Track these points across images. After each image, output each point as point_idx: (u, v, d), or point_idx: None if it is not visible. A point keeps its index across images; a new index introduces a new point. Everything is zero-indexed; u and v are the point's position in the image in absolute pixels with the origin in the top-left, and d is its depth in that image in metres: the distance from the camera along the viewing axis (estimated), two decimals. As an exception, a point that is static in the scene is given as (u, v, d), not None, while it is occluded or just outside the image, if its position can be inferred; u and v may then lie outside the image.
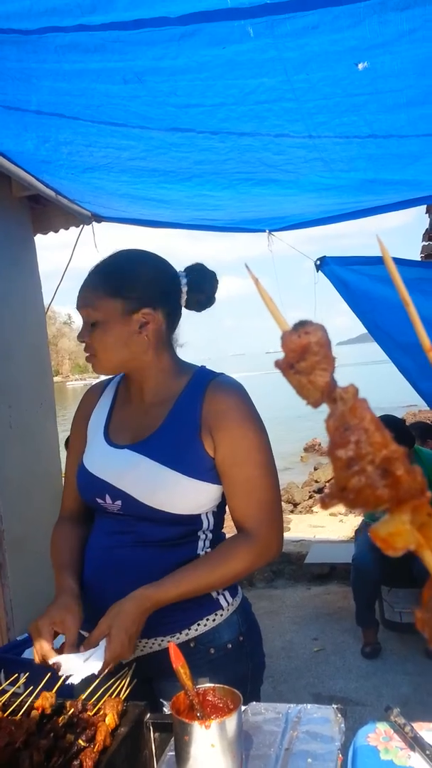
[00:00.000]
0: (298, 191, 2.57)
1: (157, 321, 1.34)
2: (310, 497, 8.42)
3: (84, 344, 1.36)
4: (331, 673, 3.34)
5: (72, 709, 1.12)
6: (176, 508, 1.26)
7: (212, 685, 0.99)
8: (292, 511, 7.71)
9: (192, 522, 1.29)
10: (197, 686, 0.98)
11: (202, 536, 1.32)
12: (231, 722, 0.90)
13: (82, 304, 1.33)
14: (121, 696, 1.16)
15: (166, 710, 1.15)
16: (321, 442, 14.23)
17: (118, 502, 1.30)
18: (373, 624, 3.57)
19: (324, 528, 6.36)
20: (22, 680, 1.27)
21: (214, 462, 1.28)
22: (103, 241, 3.76)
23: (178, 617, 1.28)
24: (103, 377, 1.52)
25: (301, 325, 0.46)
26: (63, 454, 3.88)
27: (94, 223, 3.77)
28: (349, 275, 2.98)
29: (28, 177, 2.88)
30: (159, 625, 1.27)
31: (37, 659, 1.18)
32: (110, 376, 1.50)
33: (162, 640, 1.29)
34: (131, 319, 1.32)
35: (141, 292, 1.32)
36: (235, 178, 2.47)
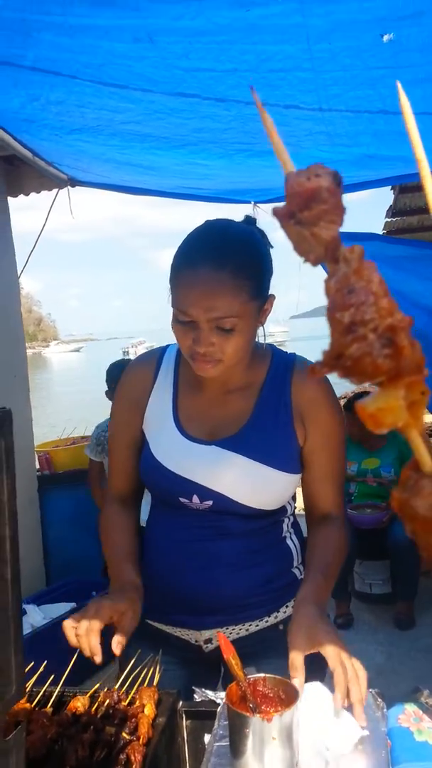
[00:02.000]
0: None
1: (272, 302, 1.21)
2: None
3: (193, 349, 1.13)
4: (306, 643, 3.41)
5: (107, 700, 1.09)
6: (271, 505, 1.24)
7: (263, 675, 0.98)
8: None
9: (279, 512, 1.28)
10: (248, 677, 0.97)
11: (286, 521, 1.31)
12: (290, 714, 0.89)
13: (224, 313, 1.09)
14: (153, 684, 1.14)
15: (197, 697, 1.13)
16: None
17: (209, 502, 1.21)
18: (346, 596, 3.66)
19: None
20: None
21: (301, 450, 1.25)
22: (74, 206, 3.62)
23: (267, 601, 1.26)
24: (136, 352, 1.40)
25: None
26: (36, 429, 3.78)
27: (69, 187, 3.61)
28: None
29: (5, 136, 2.71)
30: (250, 610, 1.25)
31: (74, 641, 1.06)
32: (155, 349, 1.36)
33: (250, 625, 1.26)
34: (260, 311, 1.18)
35: (269, 280, 1.19)
36: (232, 148, 2.38)
